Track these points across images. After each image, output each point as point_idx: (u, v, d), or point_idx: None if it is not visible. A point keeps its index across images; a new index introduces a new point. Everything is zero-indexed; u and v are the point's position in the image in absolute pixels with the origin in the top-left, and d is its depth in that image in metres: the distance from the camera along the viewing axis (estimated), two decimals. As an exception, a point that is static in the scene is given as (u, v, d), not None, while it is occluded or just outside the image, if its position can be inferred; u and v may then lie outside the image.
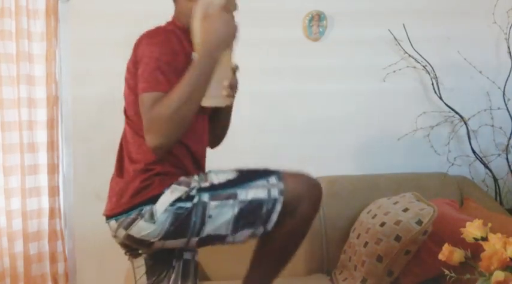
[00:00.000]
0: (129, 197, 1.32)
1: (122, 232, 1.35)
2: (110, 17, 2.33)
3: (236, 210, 1.30)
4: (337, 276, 2.02)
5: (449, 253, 1.32)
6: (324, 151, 2.45)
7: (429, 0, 2.46)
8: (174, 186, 1.31)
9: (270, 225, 1.32)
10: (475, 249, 1.31)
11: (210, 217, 1.30)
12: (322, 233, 2.16)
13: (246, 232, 1.34)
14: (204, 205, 1.29)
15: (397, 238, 1.74)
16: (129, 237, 1.35)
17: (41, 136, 2.25)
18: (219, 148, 1.67)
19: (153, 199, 1.30)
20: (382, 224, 1.84)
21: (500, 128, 2.49)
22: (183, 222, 1.29)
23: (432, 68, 2.42)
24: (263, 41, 2.35)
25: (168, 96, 1.23)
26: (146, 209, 1.29)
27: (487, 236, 1.29)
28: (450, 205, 2.08)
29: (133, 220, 1.31)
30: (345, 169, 2.38)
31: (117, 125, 2.38)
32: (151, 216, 1.29)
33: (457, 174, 2.42)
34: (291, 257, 1.44)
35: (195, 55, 1.34)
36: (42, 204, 2.27)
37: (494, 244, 1.24)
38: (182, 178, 1.33)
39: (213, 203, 1.30)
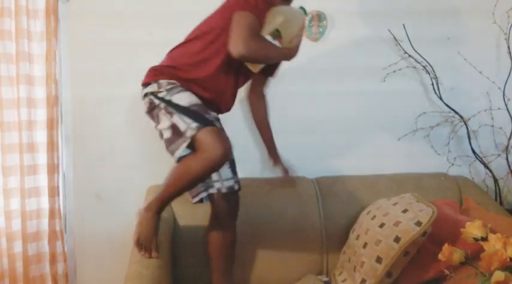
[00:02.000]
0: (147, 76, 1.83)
1: None
2: (110, 17, 2.33)
3: (169, 123, 1.70)
4: (336, 277, 2.02)
5: (449, 254, 1.32)
6: (324, 151, 2.45)
7: (429, 0, 2.46)
8: (155, 84, 1.75)
9: (177, 154, 1.68)
10: (476, 250, 1.31)
11: (159, 118, 1.74)
12: (322, 234, 2.15)
13: (173, 146, 1.71)
14: (159, 108, 1.73)
15: (397, 239, 1.74)
16: None
17: (41, 136, 2.24)
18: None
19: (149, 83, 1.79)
20: (382, 226, 1.84)
21: (500, 128, 2.48)
22: (152, 110, 1.76)
23: (432, 68, 2.42)
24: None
25: (264, 43, 1.79)
26: (145, 88, 1.79)
27: (487, 237, 1.29)
28: (450, 206, 2.08)
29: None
30: (345, 169, 2.38)
31: (116, 125, 2.40)
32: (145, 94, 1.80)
33: (457, 174, 2.42)
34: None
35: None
36: (41, 204, 2.26)
37: (494, 244, 1.24)
38: (164, 82, 1.75)
39: (162, 111, 1.72)
